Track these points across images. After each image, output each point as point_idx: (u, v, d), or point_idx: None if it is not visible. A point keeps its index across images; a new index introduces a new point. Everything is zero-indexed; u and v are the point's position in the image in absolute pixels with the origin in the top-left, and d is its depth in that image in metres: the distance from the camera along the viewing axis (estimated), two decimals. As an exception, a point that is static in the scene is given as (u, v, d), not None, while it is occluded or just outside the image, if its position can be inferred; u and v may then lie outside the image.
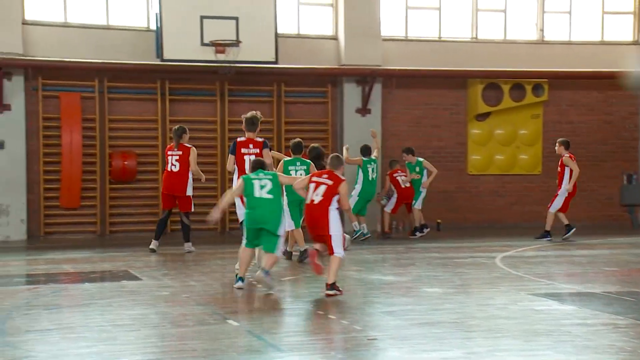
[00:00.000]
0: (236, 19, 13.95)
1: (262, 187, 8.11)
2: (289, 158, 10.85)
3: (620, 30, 17.11)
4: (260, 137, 9.67)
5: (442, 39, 16.36)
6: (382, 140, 15.86)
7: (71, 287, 8.67)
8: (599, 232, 15.23)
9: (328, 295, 7.72)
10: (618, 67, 16.59)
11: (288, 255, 10.81)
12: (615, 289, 8.35)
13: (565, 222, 13.80)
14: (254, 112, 9.81)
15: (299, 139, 11.10)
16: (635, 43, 17.04)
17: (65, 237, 14.24)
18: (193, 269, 10.05)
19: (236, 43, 13.90)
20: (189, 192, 11.63)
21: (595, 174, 17.03)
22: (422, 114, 16.26)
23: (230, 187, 10.65)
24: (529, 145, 16.67)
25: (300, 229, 10.46)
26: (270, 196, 8.09)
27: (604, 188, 17.09)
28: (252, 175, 8.22)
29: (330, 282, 7.75)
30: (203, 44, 13.88)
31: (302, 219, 10.02)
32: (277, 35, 14.39)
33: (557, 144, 14.03)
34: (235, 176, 9.42)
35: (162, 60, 13.99)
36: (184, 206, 11.67)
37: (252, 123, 9.61)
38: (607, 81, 16.92)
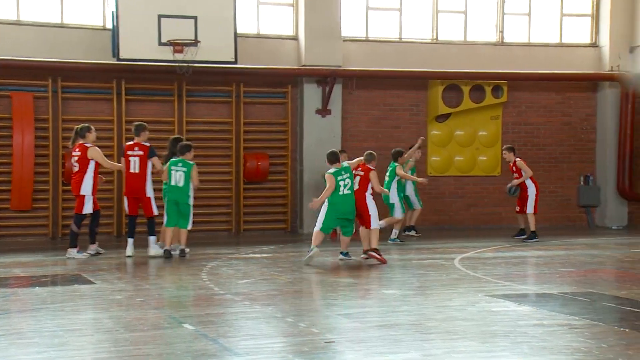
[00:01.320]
0: (195, 18, 13.85)
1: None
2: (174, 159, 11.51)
3: (578, 33, 17.40)
4: (148, 143, 11.27)
5: (402, 39, 16.44)
6: (341, 141, 15.91)
7: (21, 291, 8.50)
8: (556, 233, 15.47)
9: (372, 257, 10.67)
10: (577, 69, 16.92)
11: (167, 253, 11.17)
12: (572, 289, 8.47)
13: (522, 225, 14.02)
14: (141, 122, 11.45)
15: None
16: (593, 45, 17.34)
17: (16, 240, 13.99)
18: (148, 272, 9.94)
19: (195, 42, 13.80)
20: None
21: (553, 175, 17.28)
22: (382, 114, 16.32)
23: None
24: (488, 146, 16.85)
25: (170, 229, 11.26)
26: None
27: (562, 189, 17.35)
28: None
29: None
30: (161, 44, 13.75)
31: (181, 219, 11.23)
32: (236, 35, 14.32)
33: (504, 152, 14.21)
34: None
35: (119, 59, 13.82)
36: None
37: (136, 129, 11.34)
38: (566, 83, 17.20)
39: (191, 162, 11.35)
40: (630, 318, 6.95)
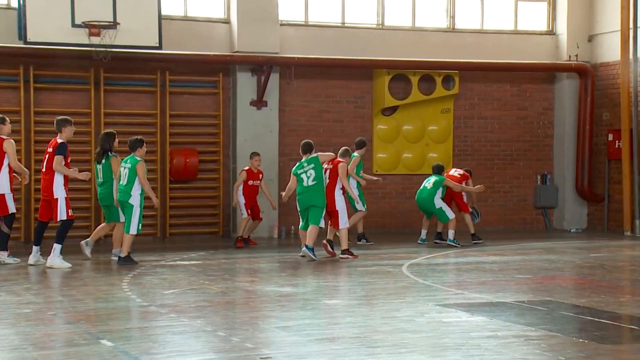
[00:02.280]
0: (114, -4, 13.67)
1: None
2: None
3: (534, 19, 17.75)
4: (62, 140, 11.11)
5: (345, 25, 16.53)
6: (279, 136, 15.90)
7: None
8: (511, 237, 15.76)
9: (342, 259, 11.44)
10: (532, 59, 17.26)
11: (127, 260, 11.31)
12: (528, 297, 8.63)
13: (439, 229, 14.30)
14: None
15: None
16: (549, 33, 17.72)
17: None
18: (61, 283, 9.76)
19: (113, 25, 13.61)
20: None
21: (508, 173, 17.60)
22: (323, 107, 16.38)
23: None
24: (438, 142, 17.05)
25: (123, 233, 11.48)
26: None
27: (517, 189, 17.68)
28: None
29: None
30: (74, 25, 13.52)
31: (126, 221, 11.39)
32: (160, 17, 14.18)
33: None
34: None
35: (26, 42, 13.53)
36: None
37: (56, 124, 11.25)
38: (521, 74, 17.53)
39: (138, 159, 11.40)
40: (590, 328, 7.11)
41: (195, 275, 10.39)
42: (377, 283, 9.78)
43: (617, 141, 16.75)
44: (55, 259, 10.98)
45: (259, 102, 15.68)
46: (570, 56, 17.36)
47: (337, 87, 16.47)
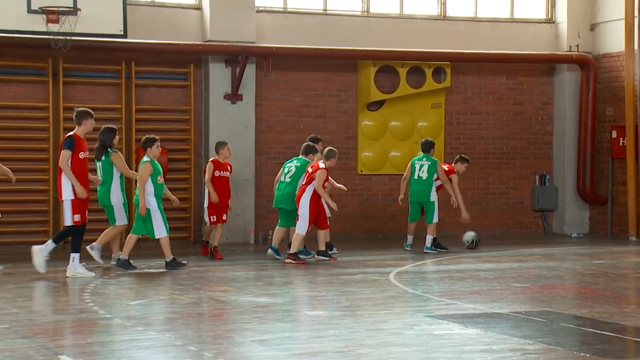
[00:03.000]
0: (74, -21, 13.61)
1: None
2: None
3: (532, 7, 17.83)
4: (71, 133, 11.16)
5: (328, 12, 16.53)
6: (255, 133, 15.89)
7: None
8: (507, 242, 15.83)
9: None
10: (530, 49, 17.34)
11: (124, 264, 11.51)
12: (525, 308, 8.67)
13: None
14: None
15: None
16: (548, 21, 17.81)
17: None
18: (15, 292, 9.70)
19: (73, 10, 13.54)
20: None
21: (504, 174, 17.67)
22: (304, 101, 16.37)
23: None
24: (429, 139, 17.09)
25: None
26: None
27: (514, 190, 17.74)
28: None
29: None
30: (31, 11, 13.44)
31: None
32: (125, 3, 14.12)
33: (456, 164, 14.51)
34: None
35: (-23, 30, 13.44)
36: None
37: (76, 117, 11.23)
38: (518, 65, 17.61)
39: (145, 159, 11.69)
40: (592, 341, 7.15)
41: (163, 285, 10.35)
42: (362, 292, 9.79)
43: (621, 138, 16.86)
44: (77, 268, 10.92)
45: (234, 96, 15.65)
46: (570, 46, 17.46)
47: (319, 79, 16.46)
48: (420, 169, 14.26)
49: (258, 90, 15.94)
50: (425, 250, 13.95)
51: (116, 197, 11.79)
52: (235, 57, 15.52)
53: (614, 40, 17.13)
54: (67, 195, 10.93)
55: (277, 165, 14.80)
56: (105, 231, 12.06)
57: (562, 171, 17.74)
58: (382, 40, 16.50)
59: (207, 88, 15.67)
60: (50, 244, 11.03)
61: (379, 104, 16.78)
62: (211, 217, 13.01)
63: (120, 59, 15.11)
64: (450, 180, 14.23)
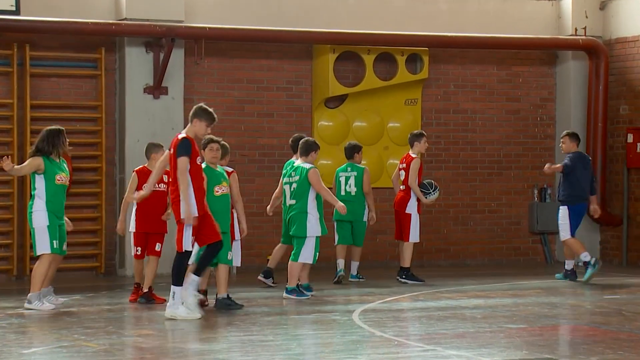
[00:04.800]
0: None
1: None
2: None
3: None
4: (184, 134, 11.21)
5: (275, -16, 16.55)
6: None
7: None
8: (499, 272, 15.87)
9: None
10: (527, 33, 17.44)
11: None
12: (522, 355, 8.68)
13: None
14: None
15: None
16: (549, -1, 17.96)
17: None
18: None
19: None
20: None
21: (495, 187, 17.72)
22: (245, 96, 16.33)
23: None
24: (402, 144, 16.97)
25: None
26: None
27: (507, 208, 17.81)
28: None
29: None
30: None
31: None
32: (19, -29, 14.03)
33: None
34: None
35: None
36: None
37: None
38: (512, 52, 17.72)
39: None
40: (604, 395, 7.19)
41: (67, 328, 10.21)
42: (319, 336, 9.75)
43: (638, 143, 17.02)
44: (178, 307, 10.80)
45: (157, 89, 15.59)
46: (576, 29, 17.60)
47: (265, 68, 16.43)
48: (346, 183, 14.28)
49: (187, 81, 15.88)
50: (350, 279, 14.14)
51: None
52: (159, 39, 15.45)
53: (629, 22, 17.32)
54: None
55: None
56: None
57: (566, 183, 17.85)
58: (344, 20, 16.51)
59: (122, 79, 15.59)
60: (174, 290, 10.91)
61: (340, 99, 16.78)
62: (136, 248, 12.40)
63: (11, 42, 14.97)
64: (408, 169, 14.20)
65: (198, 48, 15.76)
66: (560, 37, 17.73)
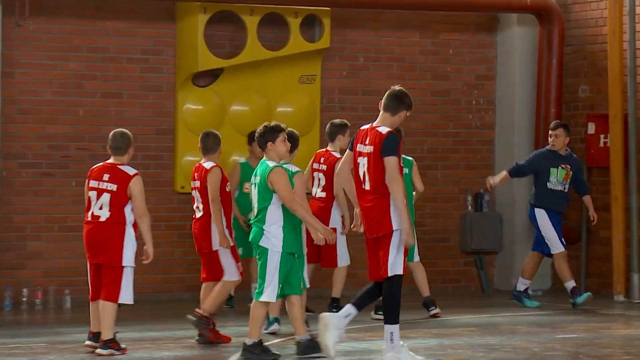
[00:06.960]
0: None
1: None
2: None
3: None
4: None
5: None
6: (0, 123, 15.62)
7: None
8: (420, 306, 15.78)
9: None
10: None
11: None
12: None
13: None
14: None
15: None
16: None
17: None
18: None
19: None
20: None
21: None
22: (85, 69, 16.35)
23: None
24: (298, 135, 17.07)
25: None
26: None
27: (432, 220, 17.97)
28: None
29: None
30: None
31: None
32: None
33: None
34: None
35: None
36: None
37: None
38: (440, 16, 17.83)
39: None
40: None
41: None
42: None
43: (602, 135, 17.15)
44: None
45: (-37, 60, 15.44)
46: (523, -14, 17.76)
47: (111, 33, 16.47)
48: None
49: (6, 49, 15.80)
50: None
51: None
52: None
53: (591, -22, 17.52)
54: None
55: (36, 177, 14.63)
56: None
57: (509, 189, 17.95)
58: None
59: None
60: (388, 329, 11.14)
61: (213, 75, 16.86)
62: None
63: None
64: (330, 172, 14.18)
65: (20, 6, 15.61)
66: (503, -4, 17.87)
